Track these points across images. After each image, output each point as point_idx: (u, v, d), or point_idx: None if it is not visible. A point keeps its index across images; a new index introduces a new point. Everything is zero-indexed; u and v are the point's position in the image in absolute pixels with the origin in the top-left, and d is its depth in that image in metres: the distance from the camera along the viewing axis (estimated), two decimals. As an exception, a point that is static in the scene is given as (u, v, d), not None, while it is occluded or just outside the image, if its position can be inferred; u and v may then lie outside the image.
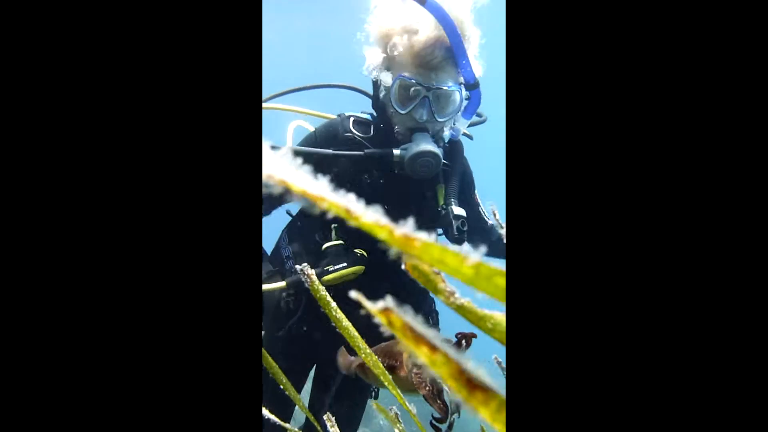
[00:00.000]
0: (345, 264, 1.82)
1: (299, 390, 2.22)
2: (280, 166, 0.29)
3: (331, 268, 1.82)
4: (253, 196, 0.58)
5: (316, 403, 2.21)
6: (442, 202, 1.95)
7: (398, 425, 1.02)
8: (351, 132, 1.95)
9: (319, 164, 1.96)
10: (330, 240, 1.90)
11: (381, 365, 0.95)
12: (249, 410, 0.53)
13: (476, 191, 2.21)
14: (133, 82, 0.57)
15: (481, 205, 2.19)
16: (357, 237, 1.92)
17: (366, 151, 1.86)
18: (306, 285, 1.92)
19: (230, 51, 0.60)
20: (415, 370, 1.00)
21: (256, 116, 0.60)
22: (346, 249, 1.88)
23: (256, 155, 0.57)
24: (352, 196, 0.29)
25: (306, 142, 2.03)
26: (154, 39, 0.58)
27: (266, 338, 2.17)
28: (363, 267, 1.83)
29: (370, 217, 0.29)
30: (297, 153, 1.89)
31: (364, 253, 1.87)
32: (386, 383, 0.98)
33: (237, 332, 0.55)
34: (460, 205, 1.94)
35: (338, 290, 1.99)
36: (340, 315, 0.84)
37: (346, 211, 0.29)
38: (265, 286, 1.85)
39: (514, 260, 0.51)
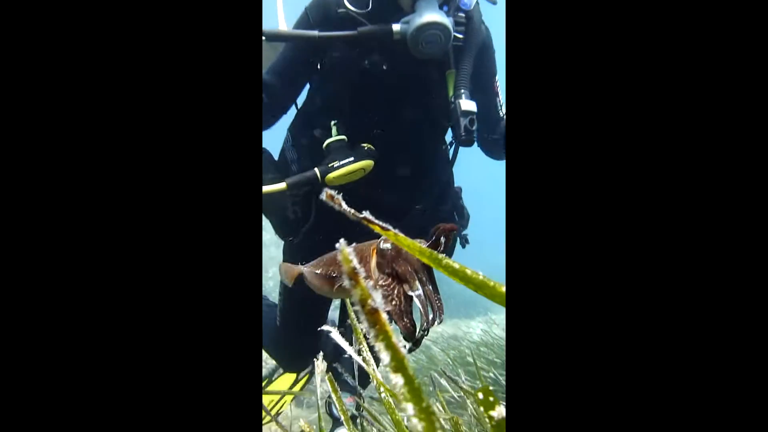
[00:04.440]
0: (352, 159, 1.61)
1: (326, 303, 2.07)
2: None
3: (336, 164, 1.61)
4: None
5: (342, 315, 2.09)
6: (451, 93, 1.67)
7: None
8: (345, 7, 1.66)
9: (314, 50, 1.72)
10: (331, 137, 1.69)
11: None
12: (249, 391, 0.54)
13: (497, 75, 1.87)
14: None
15: (499, 95, 1.87)
16: (360, 131, 1.72)
17: (360, 29, 1.60)
18: (309, 184, 1.72)
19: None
20: (381, 282, 0.85)
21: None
22: (352, 144, 1.68)
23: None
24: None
25: (299, 24, 1.77)
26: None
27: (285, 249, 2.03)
28: (372, 162, 1.62)
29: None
30: (276, 38, 1.65)
31: (372, 147, 1.67)
32: (343, 295, 0.83)
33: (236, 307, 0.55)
34: (474, 93, 1.68)
35: (347, 191, 1.78)
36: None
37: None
38: (265, 188, 1.64)
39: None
